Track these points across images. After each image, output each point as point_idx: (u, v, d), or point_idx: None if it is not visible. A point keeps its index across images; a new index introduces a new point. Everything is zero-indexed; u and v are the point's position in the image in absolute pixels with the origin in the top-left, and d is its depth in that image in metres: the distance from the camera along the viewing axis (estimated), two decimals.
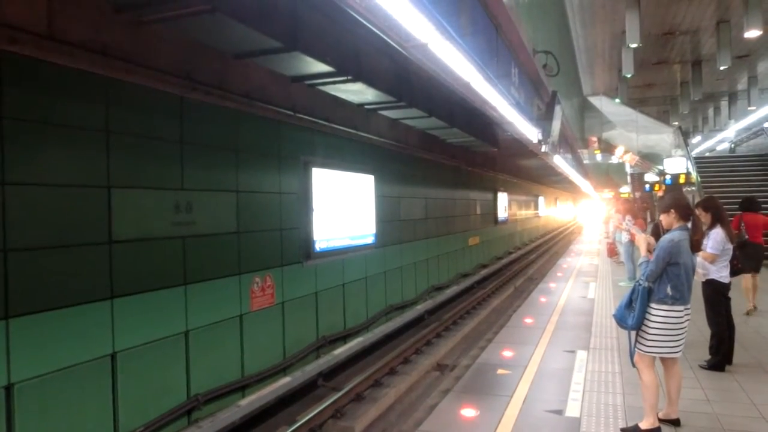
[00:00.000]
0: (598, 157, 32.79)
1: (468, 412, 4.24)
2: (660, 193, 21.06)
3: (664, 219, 3.85)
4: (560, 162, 15.80)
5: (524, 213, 24.08)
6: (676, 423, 3.86)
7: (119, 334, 4.22)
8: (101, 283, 4.10)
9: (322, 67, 5.53)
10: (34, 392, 3.61)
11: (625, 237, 10.55)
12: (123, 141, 4.31)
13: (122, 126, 4.30)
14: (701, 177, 17.35)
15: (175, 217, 4.79)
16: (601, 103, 24.95)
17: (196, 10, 3.99)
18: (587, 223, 44.56)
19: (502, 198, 18.25)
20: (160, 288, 4.62)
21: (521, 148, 12.25)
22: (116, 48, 4.20)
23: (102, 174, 4.13)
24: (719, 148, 32.04)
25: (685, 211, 3.76)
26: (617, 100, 24.60)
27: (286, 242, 6.37)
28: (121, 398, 4.23)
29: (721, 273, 5.04)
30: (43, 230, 3.71)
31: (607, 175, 38.39)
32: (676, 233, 3.69)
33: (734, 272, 5.30)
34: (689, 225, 3.74)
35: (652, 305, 3.62)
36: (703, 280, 5.12)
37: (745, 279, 7.32)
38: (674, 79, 23.55)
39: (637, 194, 21.24)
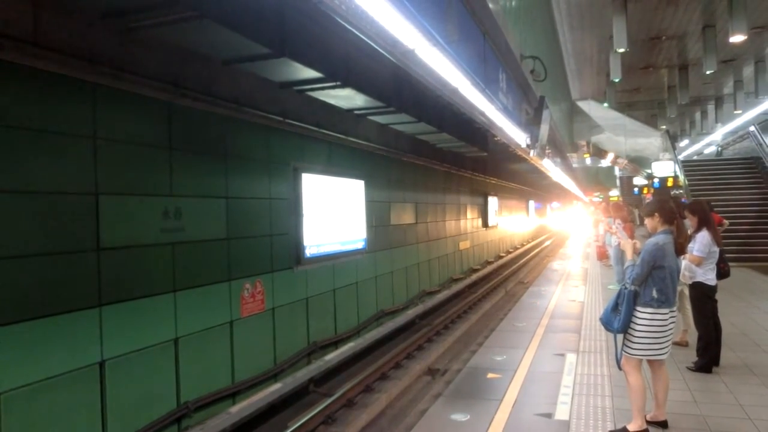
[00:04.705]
0: (588, 160, 33.06)
1: (458, 417, 4.25)
2: (648, 196, 21.27)
3: (649, 223, 3.90)
4: (549, 165, 15.92)
5: (515, 216, 24.18)
6: (663, 425, 3.88)
7: (108, 342, 4.20)
8: (89, 290, 4.08)
9: (310, 73, 5.53)
10: (21, 401, 3.58)
11: (614, 240, 10.60)
12: (111, 147, 4.29)
13: (110, 132, 4.29)
14: (689, 180, 17.54)
15: (164, 223, 4.77)
16: (589, 107, 25.20)
17: (184, 16, 3.98)
18: (578, 225, 44.77)
19: (493, 202, 18.30)
20: (149, 295, 4.60)
21: (511, 152, 12.32)
22: (103, 54, 4.19)
23: (89, 181, 4.12)
24: (706, 151, 32.44)
25: (669, 215, 3.81)
26: (605, 105, 24.87)
27: (276, 248, 6.37)
28: (110, 406, 4.19)
29: (707, 276, 5.08)
30: (30, 238, 3.68)
31: (597, 179, 38.69)
32: (660, 237, 3.73)
33: (721, 275, 5.36)
34: (673, 228, 3.78)
35: (638, 308, 3.65)
36: (690, 282, 5.18)
37: None
38: (661, 84, 23.84)
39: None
